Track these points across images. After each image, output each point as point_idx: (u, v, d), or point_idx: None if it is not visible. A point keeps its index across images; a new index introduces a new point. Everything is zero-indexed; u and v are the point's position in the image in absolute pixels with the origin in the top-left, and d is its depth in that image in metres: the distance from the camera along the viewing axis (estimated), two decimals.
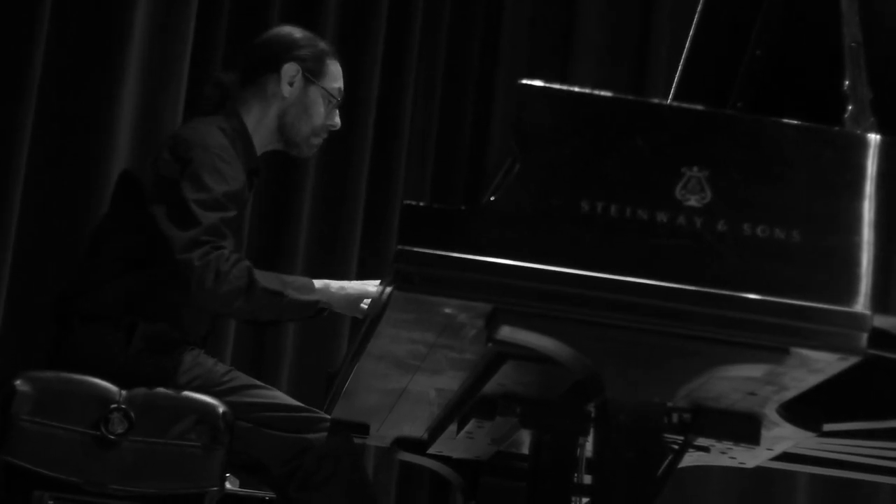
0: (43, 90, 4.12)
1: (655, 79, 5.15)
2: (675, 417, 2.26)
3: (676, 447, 2.32)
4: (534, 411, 2.36)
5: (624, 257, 2.02)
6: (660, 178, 2.05)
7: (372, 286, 3.00)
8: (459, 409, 2.58)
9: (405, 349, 2.29)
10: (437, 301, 2.01)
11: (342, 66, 3.25)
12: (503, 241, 2.00)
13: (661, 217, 2.04)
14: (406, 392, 2.60)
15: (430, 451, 3.02)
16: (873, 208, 2.08)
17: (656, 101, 2.21)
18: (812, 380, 2.14)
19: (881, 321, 2.06)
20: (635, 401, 2.01)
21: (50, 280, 3.89)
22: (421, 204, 2.03)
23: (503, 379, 2.29)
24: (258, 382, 3.00)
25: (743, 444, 2.43)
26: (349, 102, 3.29)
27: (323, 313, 3.16)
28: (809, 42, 2.56)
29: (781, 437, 2.53)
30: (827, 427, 2.55)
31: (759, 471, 3.11)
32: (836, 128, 2.20)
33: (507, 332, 2.02)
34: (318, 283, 2.98)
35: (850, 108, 2.26)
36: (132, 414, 2.78)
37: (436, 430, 2.88)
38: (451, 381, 2.47)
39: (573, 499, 2.62)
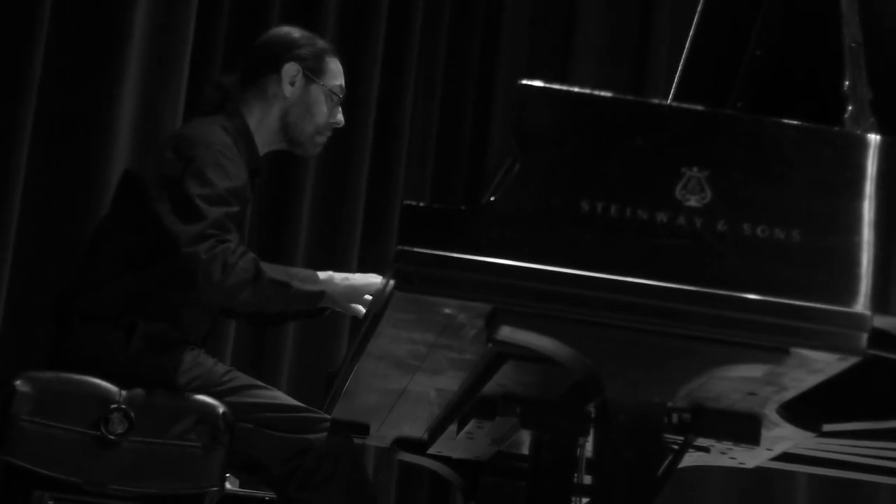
0: (43, 90, 4.12)
1: (655, 79, 5.15)
2: (674, 417, 2.26)
3: (676, 447, 2.32)
4: (534, 411, 2.36)
5: (624, 257, 2.02)
6: (660, 179, 2.05)
7: (376, 278, 3.01)
8: (459, 410, 2.58)
9: (405, 349, 2.29)
10: (437, 301, 2.01)
11: (342, 64, 3.25)
12: (503, 242, 2.00)
13: (661, 217, 2.04)
14: (406, 392, 2.60)
15: (430, 451, 3.02)
16: (873, 208, 2.08)
17: (656, 101, 2.21)
18: (812, 380, 2.14)
19: (881, 321, 2.06)
20: (635, 401, 2.01)
21: (50, 280, 3.89)
22: (421, 204, 2.03)
23: (503, 379, 2.29)
24: (258, 382, 3.00)
25: (743, 445, 2.43)
26: (349, 103, 3.29)
27: (324, 312, 3.17)
28: (809, 42, 2.56)
29: (781, 438, 2.53)
30: (827, 427, 2.55)
31: (759, 471, 3.11)
32: (836, 128, 2.20)
33: (506, 333, 2.02)
34: (322, 274, 3.00)
35: (849, 108, 2.26)
36: (132, 414, 2.78)
37: (436, 431, 2.88)
38: (451, 382, 2.47)
39: (573, 499, 2.62)
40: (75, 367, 2.83)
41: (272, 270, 2.86)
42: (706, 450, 2.63)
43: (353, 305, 3.06)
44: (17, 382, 2.77)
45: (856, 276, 2.05)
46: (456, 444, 2.89)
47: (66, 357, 2.89)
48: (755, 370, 2.08)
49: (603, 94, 2.11)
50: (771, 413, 2.31)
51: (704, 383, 2.11)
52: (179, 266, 2.79)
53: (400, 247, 1.99)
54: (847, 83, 2.29)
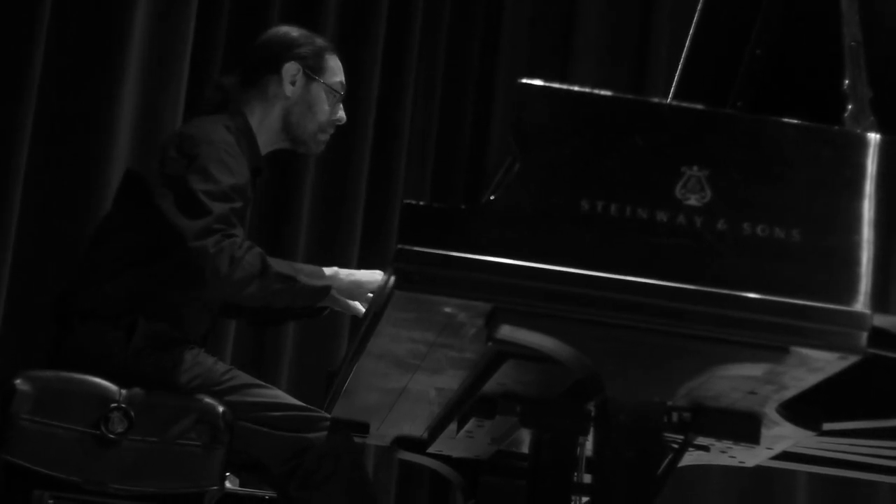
0: (43, 90, 4.13)
1: (655, 79, 5.15)
2: (674, 416, 2.26)
3: (676, 446, 2.32)
4: (534, 410, 2.36)
5: (624, 257, 2.02)
6: (660, 178, 2.05)
7: (380, 275, 3.01)
8: (459, 408, 2.58)
9: (405, 348, 2.29)
10: (437, 300, 2.01)
11: (342, 63, 3.26)
12: (503, 241, 2.00)
13: (661, 216, 2.04)
14: (406, 391, 2.60)
15: (430, 450, 3.02)
16: (873, 207, 2.08)
17: (656, 100, 2.21)
18: (812, 379, 2.14)
19: (881, 320, 2.06)
20: (635, 400, 2.01)
21: (50, 279, 3.89)
22: (421, 203, 2.03)
23: (503, 378, 2.29)
24: (258, 381, 3.00)
25: (743, 443, 2.43)
26: (349, 102, 3.30)
27: (323, 312, 3.17)
28: (809, 41, 2.56)
29: (781, 436, 2.53)
30: (827, 426, 2.55)
31: (759, 470, 3.11)
32: (836, 127, 2.20)
33: (506, 332, 2.02)
34: (327, 270, 3.01)
35: (849, 107, 2.26)
36: (132, 413, 2.78)
37: (436, 429, 2.88)
38: (451, 380, 2.48)
39: (573, 498, 2.62)
40: (75, 367, 2.84)
41: (278, 265, 2.87)
42: (706, 449, 2.63)
43: (353, 304, 3.06)
44: (17, 381, 2.77)
45: (856, 275, 2.05)
46: (456, 442, 2.89)
47: (66, 356, 2.89)
48: (755, 369, 2.08)
49: (603, 93, 2.11)
50: (771, 412, 2.31)
51: (704, 382, 2.11)
52: (186, 261, 2.79)
53: (400, 246, 1.99)
54: (847, 82, 2.30)
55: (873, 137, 2.13)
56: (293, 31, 3.25)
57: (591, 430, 2.32)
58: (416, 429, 2.99)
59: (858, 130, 2.21)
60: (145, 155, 4.14)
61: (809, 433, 2.52)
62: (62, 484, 2.75)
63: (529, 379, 2.30)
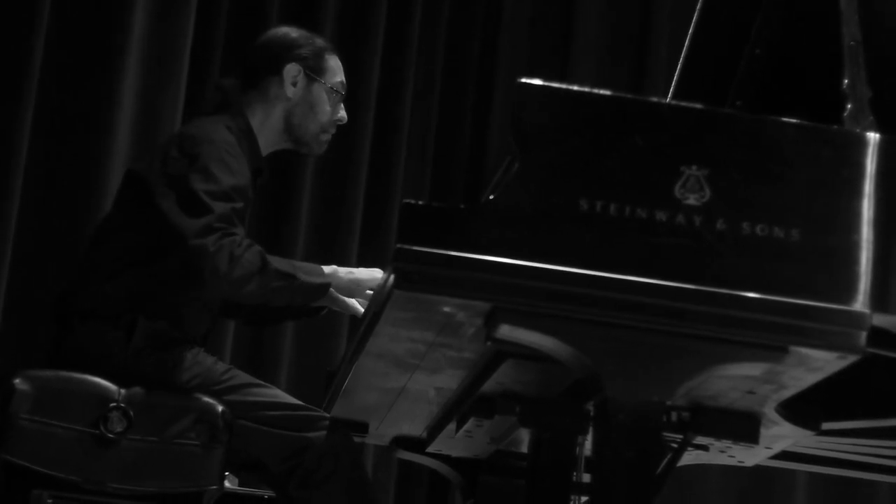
0: (43, 89, 4.13)
1: (655, 79, 5.15)
2: (674, 416, 2.26)
3: (675, 446, 2.31)
4: (533, 410, 2.36)
5: (623, 256, 2.01)
6: (659, 177, 2.05)
7: (379, 273, 3.01)
8: (458, 408, 2.58)
9: (404, 348, 2.29)
10: (436, 300, 2.01)
11: (341, 62, 3.26)
12: (502, 240, 2.00)
13: (661, 216, 2.04)
14: (405, 391, 2.60)
15: (430, 449, 3.02)
16: (872, 207, 2.08)
17: (655, 99, 2.21)
18: (811, 378, 2.14)
19: (880, 319, 2.06)
20: (634, 399, 2.01)
21: (49, 278, 3.89)
22: (420, 203, 2.03)
23: (502, 377, 2.29)
24: (258, 381, 3.00)
25: (742, 443, 2.43)
26: (348, 102, 3.30)
27: (322, 311, 3.17)
28: (809, 41, 2.56)
29: (780, 436, 2.53)
30: (826, 425, 2.55)
31: (759, 469, 3.11)
32: (836, 126, 2.20)
33: (506, 331, 2.02)
34: (327, 268, 3.01)
35: (849, 106, 2.26)
36: (131, 413, 2.78)
37: (435, 429, 2.88)
38: (450, 380, 2.47)
39: (572, 497, 2.62)
40: (75, 366, 2.84)
41: (278, 263, 2.87)
42: (705, 448, 2.63)
43: (352, 302, 3.06)
44: (17, 381, 2.77)
45: (855, 275, 2.05)
46: (455, 442, 2.89)
47: (66, 356, 2.89)
48: (754, 368, 2.08)
49: (602, 92, 2.11)
50: (770, 411, 2.31)
51: (703, 382, 2.11)
52: (186, 259, 2.79)
53: (399, 245, 1.99)
54: (846, 82, 2.29)
55: (872, 137, 2.13)
56: (293, 32, 3.25)
57: (591, 429, 2.32)
58: (415, 428, 2.99)
59: (858, 130, 2.20)
60: (144, 153, 4.13)
61: (808, 433, 2.52)
62: (61, 483, 2.75)
63: (528, 378, 2.30)
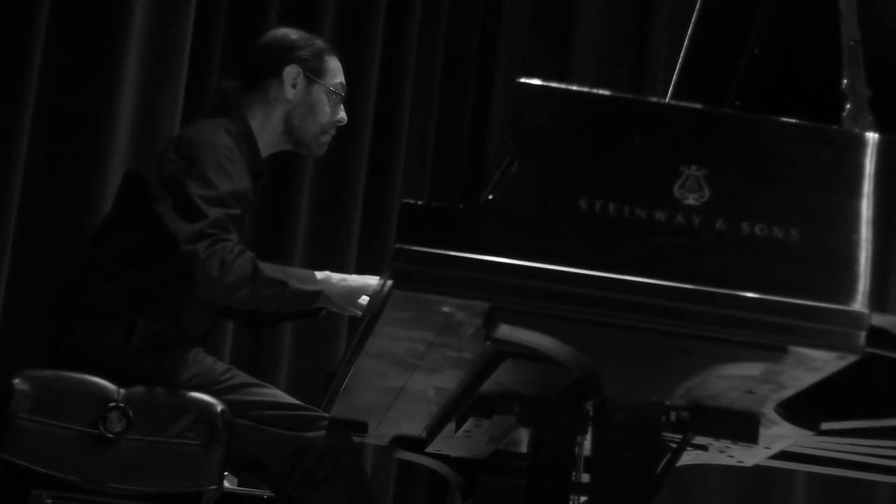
0: (43, 89, 4.12)
1: (655, 79, 5.15)
2: (673, 416, 2.26)
3: (675, 446, 2.32)
4: (532, 410, 2.36)
5: (622, 256, 2.02)
6: (658, 177, 2.05)
7: (372, 280, 3.00)
8: (458, 408, 2.58)
9: (404, 347, 2.29)
10: (435, 299, 2.01)
11: (340, 63, 3.26)
12: (502, 240, 2.00)
13: (660, 216, 2.04)
14: (404, 390, 2.60)
15: (429, 449, 3.03)
16: (871, 207, 2.08)
17: (655, 99, 2.21)
18: (810, 378, 2.14)
19: (879, 319, 2.06)
20: (634, 399, 2.01)
21: (49, 278, 3.89)
22: (419, 203, 2.03)
23: (501, 377, 2.29)
24: (257, 381, 3.00)
25: (741, 443, 2.43)
26: (348, 102, 3.30)
27: (320, 313, 3.16)
28: (808, 41, 2.56)
29: (780, 436, 2.53)
30: (825, 425, 2.55)
31: (758, 469, 3.11)
32: (835, 126, 2.20)
33: (505, 331, 2.02)
34: (319, 274, 2.99)
35: (848, 106, 2.26)
36: (130, 412, 2.78)
37: (434, 429, 2.88)
38: (449, 380, 2.48)
39: (571, 497, 2.62)
40: (75, 366, 2.83)
41: (270, 269, 2.86)
42: (704, 448, 2.63)
43: (349, 307, 3.05)
44: (16, 381, 2.77)
45: (854, 275, 2.05)
46: (454, 442, 2.89)
47: (66, 356, 2.89)
48: (754, 368, 2.08)
49: (601, 92, 2.11)
50: (769, 411, 2.31)
51: (703, 382, 2.11)
52: (178, 264, 2.79)
53: (398, 245, 1.99)
54: (845, 81, 2.30)
55: (872, 137, 2.14)
56: (292, 34, 3.24)
57: (590, 429, 2.32)
58: (415, 428, 2.99)
59: (857, 130, 2.21)
60: (144, 154, 4.14)
61: (808, 432, 2.53)
62: (61, 483, 2.75)
63: (528, 378, 2.30)
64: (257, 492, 3.30)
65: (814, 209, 2.07)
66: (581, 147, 2.07)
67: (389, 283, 2.01)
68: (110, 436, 2.76)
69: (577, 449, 2.60)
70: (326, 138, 3.24)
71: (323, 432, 2.90)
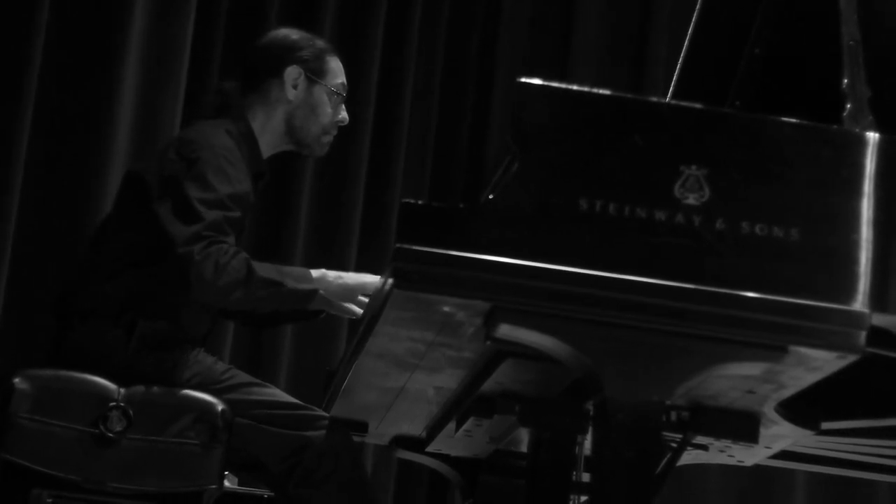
0: (43, 89, 4.13)
1: (655, 79, 5.15)
2: (673, 415, 2.26)
3: (675, 445, 2.32)
4: (532, 409, 2.36)
5: (622, 256, 2.02)
6: (658, 177, 2.05)
7: (369, 278, 3.00)
8: (458, 408, 2.58)
9: (404, 347, 2.29)
10: (435, 299, 2.01)
11: (341, 63, 3.26)
12: (502, 240, 2.00)
13: (660, 215, 2.04)
14: (405, 390, 2.60)
15: (429, 449, 3.03)
16: (872, 206, 2.08)
17: (655, 99, 2.21)
18: (810, 378, 2.14)
19: (879, 319, 2.06)
20: (634, 399, 2.01)
21: (49, 278, 3.89)
22: (420, 202, 2.03)
23: (502, 377, 2.29)
24: (257, 380, 3.00)
25: (741, 443, 2.43)
26: (348, 102, 3.30)
27: (320, 315, 3.16)
28: (808, 40, 2.56)
29: (780, 436, 2.53)
30: (825, 425, 2.55)
31: (758, 469, 3.11)
32: (835, 126, 2.20)
33: (505, 330, 2.02)
34: (315, 272, 2.97)
35: (848, 106, 2.26)
36: (131, 412, 2.78)
37: (434, 429, 2.88)
38: (449, 380, 2.48)
39: (572, 497, 2.62)
40: (75, 365, 2.84)
41: (264, 270, 2.85)
42: (705, 448, 2.63)
43: (347, 306, 3.04)
44: (16, 380, 2.77)
45: (854, 275, 2.05)
46: (454, 442, 2.89)
47: (66, 355, 2.89)
48: (754, 368, 2.08)
49: (602, 92, 2.11)
50: (769, 411, 2.31)
51: (703, 381, 2.11)
52: (175, 266, 2.79)
53: (399, 245, 1.99)
54: (846, 81, 2.30)
55: (872, 137, 2.14)
56: (293, 34, 3.24)
57: (590, 429, 2.32)
58: (415, 428, 2.99)
59: (857, 130, 2.21)
60: (144, 153, 4.14)
61: (808, 432, 2.52)
62: (61, 483, 2.75)
63: (528, 378, 2.30)
64: (257, 491, 3.30)
65: (814, 209, 2.07)
66: (581, 147, 2.07)
67: (389, 282, 2.01)
68: (110, 435, 2.76)
69: (577, 449, 2.60)
70: (328, 138, 3.24)
71: (323, 432, 2.90)
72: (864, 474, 3.11)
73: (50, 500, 2.76)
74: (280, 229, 4.65)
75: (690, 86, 2.86)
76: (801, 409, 2.39)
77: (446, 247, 1.99)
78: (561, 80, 2.14)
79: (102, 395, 2.79)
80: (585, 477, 2.57)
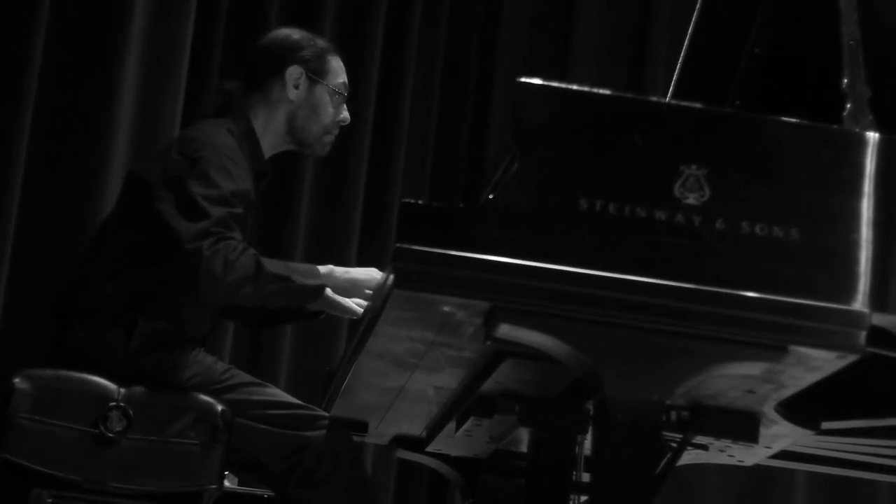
0: (43, 89, 4.13)
1: (655, 79, 5.15)
2: (673, 415, 2.26)
3: (675, 445, 2.32)
4: (532, 409, 2.36)
5: (622, 255, 2.02)
6: (658, 177, 2.05)
7: (376, 273, 3.01)
8: (458, 407, 2.58)
9: (404, 347, 2.29)
10: (435, 299, 2.01)
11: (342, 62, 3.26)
12: (502, 240, 2.00)
13: (660, 215, 2.04)
14: (405, 390, 2.60)
15: (429, 448, 3.03)
16: (871, 206, 2.08)
17: (655, 99, 2.21)
18: (810, 378, 2.14)
19: (879, 319, 2.06)
20: (634, 399, 2.01)
21: (49, 278, 3.89)
22: (420, 202, 2.03)
23: (502, 377, 2.29)
24: (257, 380, 3.00)
25: (741, 442, 2.44)
26: (348, 102, 3.30)
27: (320, 316, 3.16)
28: (808, 40, 2.56)
29: (780, 435, 2.53)
30: (825, 425, 2.55)
31: (758, 469, 3.11)
32: (835, 126, 2.20)
33: (505, 330, 2.02)
34: (323, 268, 3.00)
35: (848, 106, 2.26)
36: (131, 412, 2.78)
37: (434, 428, 2.88)
38: (449, 379, 2.48)
39: (572, 497, 2.62)
40: (75, 365, 2.84)
41: (273, 266, 2.87)
42: (705, 448, 2.63)
43: (349, 304, 3.04)
44: (16, 380, 2.77)
45: (854, 274, 2.05)
46: (454, 441, 2.89)
47: (66, 355, 2.89)
48: (754, 368, 2.08)
49: (602, 92, 2.11)
50: (769, 411, 2.31)
51: (703, 381, 2.12)
52: (182, 263, 2.79)
53: (399, 245, 1.99)
54: (846, 81, 2.30)
55: (872, 136, 2.14)
56: (294, 34, 3.24)
57: (590, 428, 2.32)
58: (415, 428, 2.99)
59: (857, 129, 2.21)
60: (144, 153, 4.14)
61: (808, 432, 2.53)
62: (61, 483, 2.75)
63: (528, 378, 2.30)
64: (257, 491, 3.30)
65: (814, 209, 2.07)
66: (581, 147, 2.07)
67: (390, 282, 2.01)
68: (111, 435, 2.76)
69: (577, 448, 2.60)
70: (330, 138, 3.25)
71: (323, 432, 2.90)
72: (864, 474, 3.11)
73: (50, 500, 2.76)
74: (281, 229, 4.65)
75: (690, 86, 2.86)
76: (801, 408, 2.40)
77: (446, 247, 1.99)
78: (561, 80, 2.14)
79: (102, 395, 2.79)
80: (585, 477, 2.57)
